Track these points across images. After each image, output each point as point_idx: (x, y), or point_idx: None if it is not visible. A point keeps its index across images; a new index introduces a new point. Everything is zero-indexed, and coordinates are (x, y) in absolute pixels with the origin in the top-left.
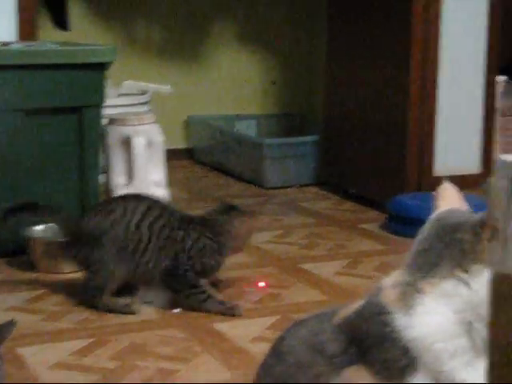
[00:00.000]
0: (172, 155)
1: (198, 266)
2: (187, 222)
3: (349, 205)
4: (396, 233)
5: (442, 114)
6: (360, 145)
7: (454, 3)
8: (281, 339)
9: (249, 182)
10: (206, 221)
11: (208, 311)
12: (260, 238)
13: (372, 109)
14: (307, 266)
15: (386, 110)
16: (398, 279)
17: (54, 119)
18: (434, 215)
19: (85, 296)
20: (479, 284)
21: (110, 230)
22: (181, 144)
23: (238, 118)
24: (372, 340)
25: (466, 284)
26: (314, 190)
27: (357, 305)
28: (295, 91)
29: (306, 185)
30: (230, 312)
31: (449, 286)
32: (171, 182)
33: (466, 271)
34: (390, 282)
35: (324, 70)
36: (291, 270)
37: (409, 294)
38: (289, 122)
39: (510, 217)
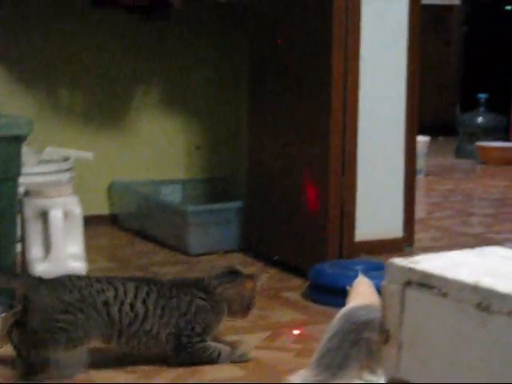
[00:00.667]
0: (96, 222)
1: (198, 328)
2: (178, 287)
3: (272, 272)
4: (317, 302)
5: (363, 179)
6: (282, 211)
7: (372, 68)
8: None
9: (173, 248)
10: (197, 283)
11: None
12: None
13: (294, 174)
14: (227, 339)
15: (308, 172)
16: (307, 379)
17: None
18: (342, 311)
19: None
20: None
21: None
22: (105, 210)
23: (163, 183)
24: None
25: None
26: (238, 256)
27: None
28: (220, 155)
29: (231, 251)
30: (241, 359)
31: None
32: (94, 251)
33: (374, 373)
34: (297, 381)
35: (247, 135)
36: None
37: None
38: (214, 186)
39: (402, 322)
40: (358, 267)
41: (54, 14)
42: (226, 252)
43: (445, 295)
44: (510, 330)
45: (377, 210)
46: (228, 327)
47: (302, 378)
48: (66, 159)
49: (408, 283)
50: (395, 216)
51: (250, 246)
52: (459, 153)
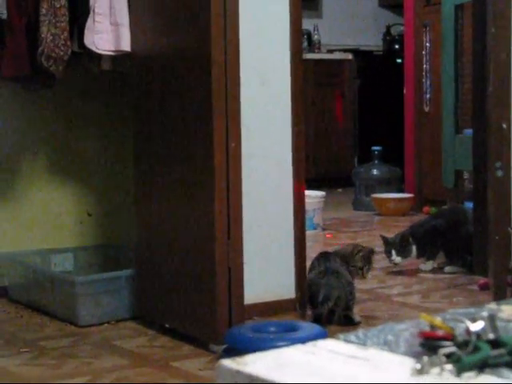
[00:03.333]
0: None
1: None
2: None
3: (164, 340)
4: None
5: (250, 241)
6: (172, 277)
7: (256, 132)
8: None
9: (63, 320)
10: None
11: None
12: None
13: (181, 239)
14: None
15: (194, 240)
16: None
17: None
18: None
19: None
20: None
21: None
22: None
23: (54, 251)
24: None
25: None
26: (130, 325)
27: None
28: (111, 222)
29: (123, 320)
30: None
31: None
32: None
33: None
34: None
35: (134, 202)
36: None
37: None
38: (107, 253)
39: None
40: (273, 329)
41: None
42: (118, 321)
43: None
44: None
45: (267, 271)
46: None
47: None
48: None
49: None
50: (287, 276)
51: (142, 314)
52: (356, 205)
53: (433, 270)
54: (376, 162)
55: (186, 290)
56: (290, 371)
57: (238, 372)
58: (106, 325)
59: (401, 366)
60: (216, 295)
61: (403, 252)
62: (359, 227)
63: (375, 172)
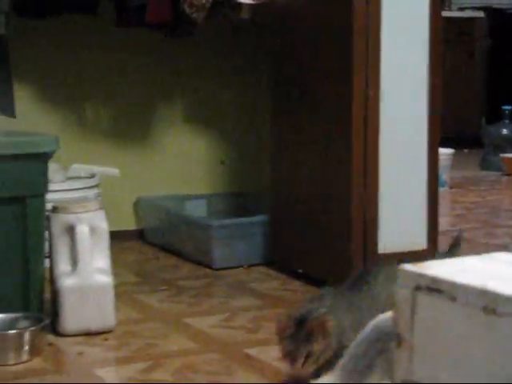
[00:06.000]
0: (122, 237)
1: None
2: None
3: (296, 284)
4: None
5: (386, 190)
6: (306, 224)
7: (393, 83)
8: None
9: (198, 263)
10: None
11: None
12: (207, 322)
13: (317, 187)
14: (251, 351)
15: (330, 188)
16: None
17: None
18: (374, 320)
19: None
20: None
21: None
22: (131, 225)
23: (188, 198)
24: None
25: None
26: (262, 269)
27: None
28: (244, 170)
29: (255, 265)
30: None
31: None
32: (120, 265)
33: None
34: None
35: (270, 149)
36: (237, 356)
37: None
38: (238, 201)
39: (414, 326)
40: None
41: (79, 32)
42: (250, 266)
43: (453, 299)
44: None
45: (400, 222)
46: (249, 340)
47: (324, 382)
48: (92, 176)
49: (418, 288)
50: (419, 228)
51: (274, 259)
52: (484, 165)
53: None
54: (506, 121)
55: (320, 236)
56: (471, 275)
57: (421, 275)
58: (239, 268)
59: None
60: (351, 244)
61: None
62: (487, 186)
63: (505, 131)
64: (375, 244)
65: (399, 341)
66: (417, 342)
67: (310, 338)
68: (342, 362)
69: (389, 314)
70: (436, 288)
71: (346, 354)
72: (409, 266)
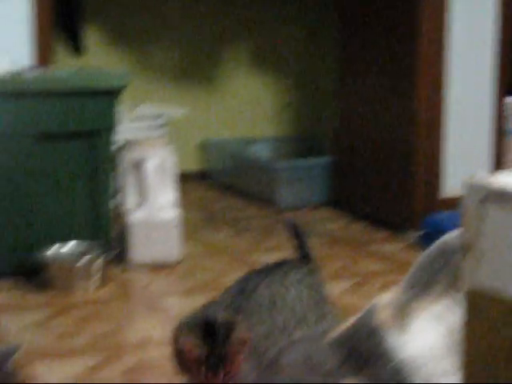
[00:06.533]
0: (187, 178)
1: None
2: None
3: (360, 225)
4: None
5: (450, 135)
6: (370, 166)
7: (461, 21)
8: (277, 355)
9: (262, 203)
10: None
11: None
12: (270, 258)
13: (381, 129)
14: None
15: (394, 130)
16: (393, 298)
17: (66, 144)
18: (443, 237)
19: None
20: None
21: None
22: (196, 167)
23: (253, 140)
24: (366, 357)
25: (453, 308)
26: (325, 210)
27: (350, 323)
28: (309, 113)
29: (318, 206)
30: None
31: (441, 306)
32: (185, 204)
33: (454, 296)
34: (386, 301)
35: (335, 93)
36: None
37: (403, 313)
38: (302, 144)
39: (481, 236)
40: None
41: None
42: (315, 206)
43: None
44: None
45: (463, 168)
46: None
47: (389, 298)
48: (159, 116)
49: (486, 198)
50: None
51: (338, 200)
52: None
53: None
54: None
55: (384, 177)
56: None
57: (489, 186)
58: (303, 209)
59: None
60: (415, 183)
61: None
62: None
63: None
64: (438, 188)
65: (466, 251)
66: (484, 251)
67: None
68: (406, 277)
69: (452, 233)
70: (503, 198)
71: (411, 268)
72: (477, 176)
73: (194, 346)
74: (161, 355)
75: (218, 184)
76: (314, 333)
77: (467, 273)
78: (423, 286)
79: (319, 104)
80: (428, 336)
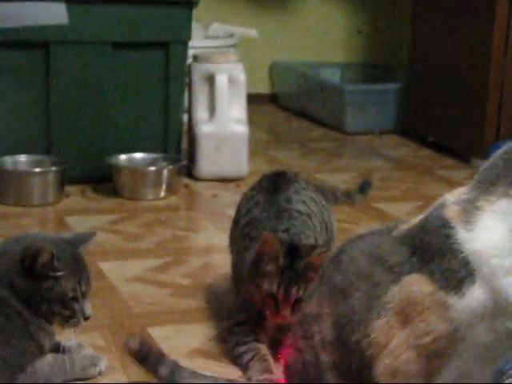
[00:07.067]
0: (256, 100)
1: None
2: None
3: (427, 152)
4: None
5: None
6: (441, 95)
7: None
8: (340, 251)
9: (330, 127)
10: None
11: None
12: (338, 178)
13: (455, 59)
14: (380, 205)
15: (468, 60)
16: (461, 196)
17: (141, 54)
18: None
19: None
20: None
21: None
22: (265, 89)
23: (323, 65)
24: (434, 251)
25: None
26: (393, 137)
27: (418, 219)
28: (380, 41)
29: (386, 132)
30: None
31: (505, 204)
32: (254, 124)
33: None
34: (453, 199)
35: (410, 20)
36: (364, 207)
37: (469, 210)
38: (372, 71)
39: None
40: None
41: None
42: (381, 133)
43: None
44: None
45: None
46: (378, 196)
47: (456, 196)
48: (230, 36)
49: None
50: None
51: (406, 127)
52: None
53: None
54: None
55: (454, 105)
56: None
57: None
58: (370, 135)
59: None
60: (485, 111)
61: None
62: None
63: None
64: (510, 114)
65: None
66: None
67: (309, 275)
68: (474, 177)
69: None
70: None
71: (479, 170)
72: None
73: (277, 250)
74: (224, 260)
75: (287, 107)
76: (380, 228)
77: None
78: (488, 186)
79: (393, 32)
80: (493, 233)
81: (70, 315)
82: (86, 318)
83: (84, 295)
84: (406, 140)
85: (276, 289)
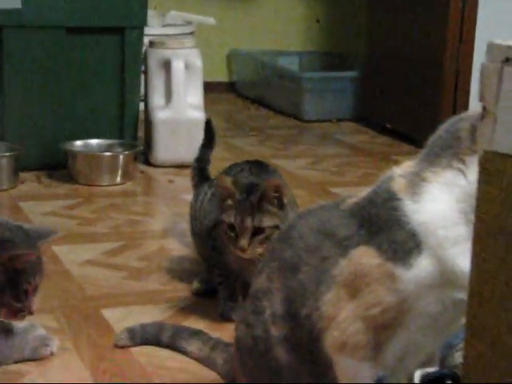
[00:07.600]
0: (214, 88)
1: None
2: None
3: (384, 139)
4: None
5: (480, 51)
6: (397, 81)
7: None
8: (289, 227)
9: (288, 114)
10: None
11: None
12: (294, 164)
13: (410, 46)
14: (337, 190)
15: (423, 46)
16: (407, 169)
17: (96, 39)
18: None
19: None
20: (475, 175)
21: None
22: (223, 77)
23: (281, 53)
24: (381, 223)
25: (463, 175)
26: (350, 124)
27: (365, 192)
28: (338, 30)
29: (343, 119)
30: None
31: (450, 175)
32: (212, 113)
33: (463, 162)
34: (401, 172)
35: (366, 9)
36: (321, 193)
37: (416, 182)
38: (330, 59)
39: (499, 98)
40: None
41: None
42: (340, 120)
43: None
44: None
45: None
46: (334, 181)
47: (403, 169)
48: (188, 23)
49: (506, 60)
50: None
51: (363, 115)
52: None
53: None
54: None
55: (410, 92)
56: None
57: (510, 47)
58: (328, 122)
59: None
60: (441, 98)
61: None
62: None
63: None
64: (465, 103)
65: (484, 113)
66: (501, 113)
67: (265, 206)
68: (421, 151)
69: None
70: None
71: (425, 144)
72: (498, 40)
73: (231, 186)
74: (180, 244)
75: (245, 95)
76: (328, 203)
77: (483, 136)
78: (432, 158)
79: (349, 21)
80: (439, 204)
81: (20, 308)
82: (31, 313)
83: (35, 290)
84: (364, 127)
85: (234, 219)
